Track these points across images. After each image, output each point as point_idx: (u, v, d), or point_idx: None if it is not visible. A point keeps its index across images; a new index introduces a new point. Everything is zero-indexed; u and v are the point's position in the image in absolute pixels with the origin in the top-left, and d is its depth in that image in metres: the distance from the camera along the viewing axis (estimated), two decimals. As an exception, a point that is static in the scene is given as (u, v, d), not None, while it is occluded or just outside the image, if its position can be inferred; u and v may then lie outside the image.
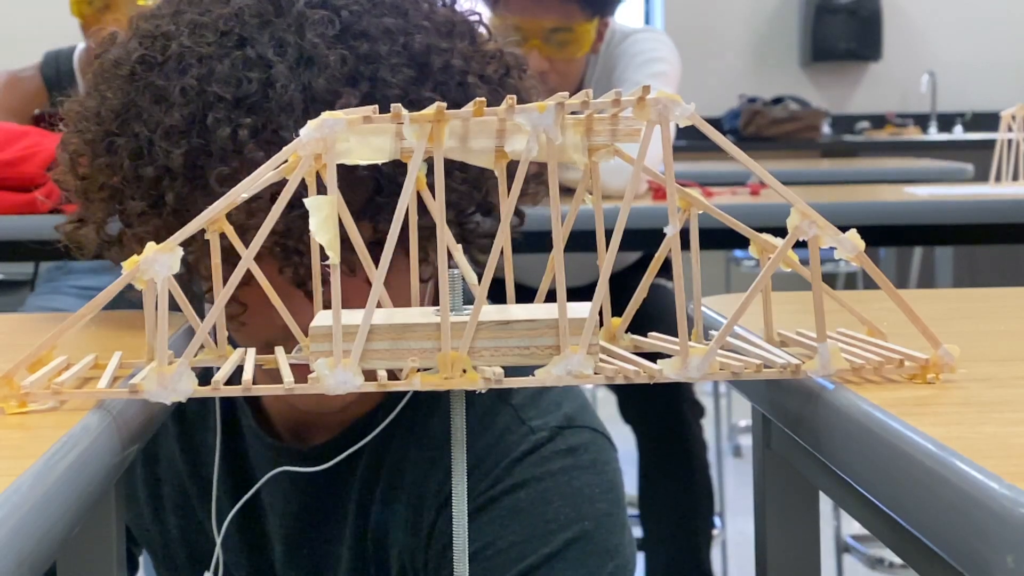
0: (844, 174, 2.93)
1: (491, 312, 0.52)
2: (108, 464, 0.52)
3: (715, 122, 5.17)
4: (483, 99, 0.51)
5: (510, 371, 0.53)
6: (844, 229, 0.52)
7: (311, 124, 0.50)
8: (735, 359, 0.54)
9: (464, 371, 0.51)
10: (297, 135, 0.52)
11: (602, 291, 0.52)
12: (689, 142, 4.37)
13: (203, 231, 0.53)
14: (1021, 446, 0.43)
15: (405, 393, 0.93)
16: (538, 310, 0.54)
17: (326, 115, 0.49)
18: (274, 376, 0.56)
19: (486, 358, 0.52)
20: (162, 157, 0.76)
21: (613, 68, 2.08)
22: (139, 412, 0.58)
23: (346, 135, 0.50)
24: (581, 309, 0.53)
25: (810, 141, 4.90)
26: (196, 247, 0.81)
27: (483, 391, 0.53)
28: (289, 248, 0.76)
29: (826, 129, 5.10)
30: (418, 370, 0.52)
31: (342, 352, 0.50)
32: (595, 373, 0.52)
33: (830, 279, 4.67)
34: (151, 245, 0.51)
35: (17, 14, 4.66)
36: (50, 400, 0.54)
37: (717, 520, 2.57)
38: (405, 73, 0.77)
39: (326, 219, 0.49)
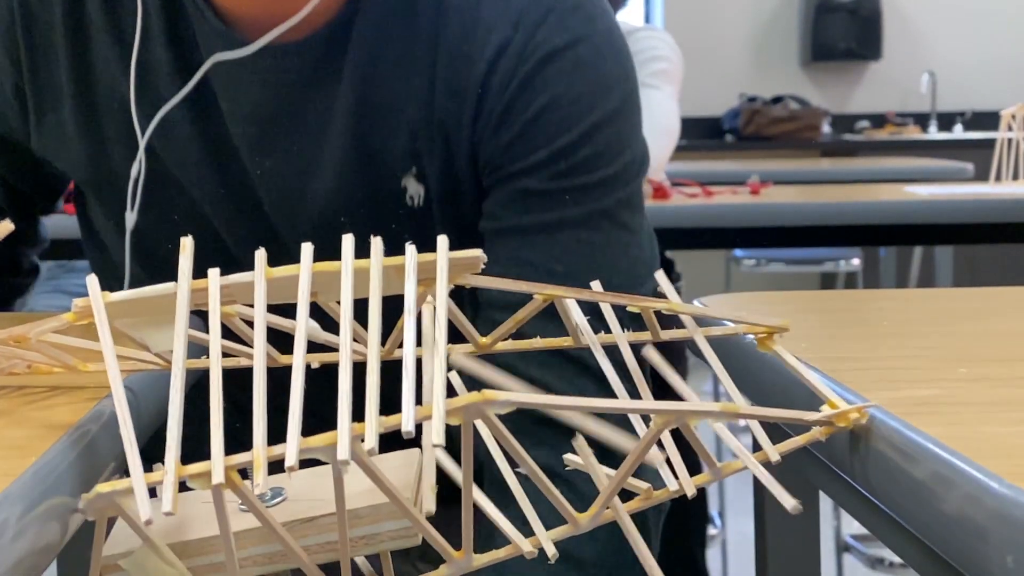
0: (844, 173, 2.93)
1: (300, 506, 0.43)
2: (108, 464, 0.52)
3: (715, 121, 5.18)
4: None
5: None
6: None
7: None
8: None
9: None
10: None
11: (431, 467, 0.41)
12: (690, 141, 4.37)
13: None
14: (1021, 446, 0.43)
15: None
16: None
17: None
18: None
19: (326, 554, 0.44)
20: None
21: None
22: (139, 413, 0.58)
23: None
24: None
25: (810, 140, 4.90)
26: None
27: None
28: None
29: (826, 128, 5.10)
30: None
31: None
32: None
33: (830, 279, 4.66)
34: None
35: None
36: None
37: (717, 520, 2.57)
38: None
39: None
